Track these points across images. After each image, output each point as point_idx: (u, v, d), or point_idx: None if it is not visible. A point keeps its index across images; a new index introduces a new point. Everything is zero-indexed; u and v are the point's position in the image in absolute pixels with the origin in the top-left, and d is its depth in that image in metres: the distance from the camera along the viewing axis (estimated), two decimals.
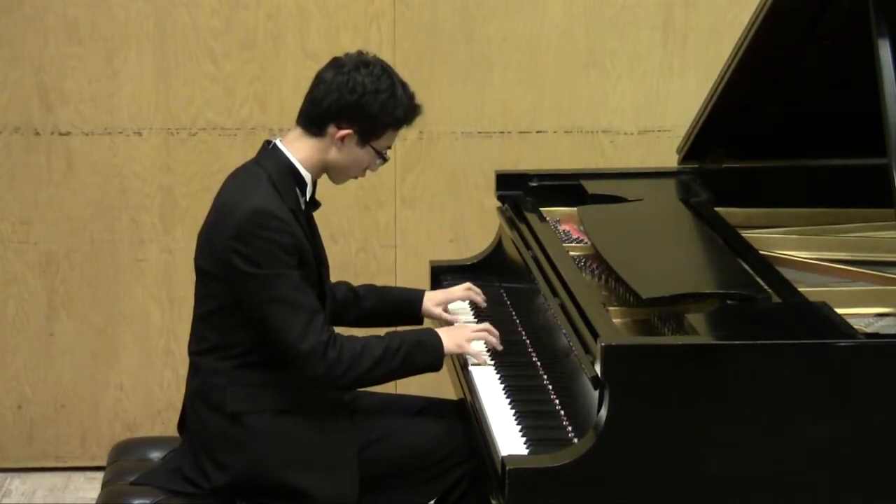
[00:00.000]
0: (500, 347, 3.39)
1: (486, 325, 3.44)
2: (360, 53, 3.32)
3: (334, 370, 3.18)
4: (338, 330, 3.26)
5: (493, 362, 3.40)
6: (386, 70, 3.28)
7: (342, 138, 3.27)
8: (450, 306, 3.67)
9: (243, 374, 3.25)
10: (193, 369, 3.34)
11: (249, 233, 3.16)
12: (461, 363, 3.46)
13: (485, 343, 3.42)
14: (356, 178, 3.38)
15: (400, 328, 3.45)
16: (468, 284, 3.68)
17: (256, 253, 3.15)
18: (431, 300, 3.62)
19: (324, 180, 3.38)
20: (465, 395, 3.34)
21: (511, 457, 2.86)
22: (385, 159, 3.35)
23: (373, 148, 3.30)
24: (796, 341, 2.86)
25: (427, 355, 3.29)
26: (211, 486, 3.26)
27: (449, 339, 3.33)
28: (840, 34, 3.53)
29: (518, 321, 3.63)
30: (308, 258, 3.25)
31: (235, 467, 3.24)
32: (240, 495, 3.25)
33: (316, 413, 3.28)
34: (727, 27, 4.53)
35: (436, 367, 3.32)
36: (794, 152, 3.90)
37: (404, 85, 3.30)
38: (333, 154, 3.29)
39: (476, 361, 3.40)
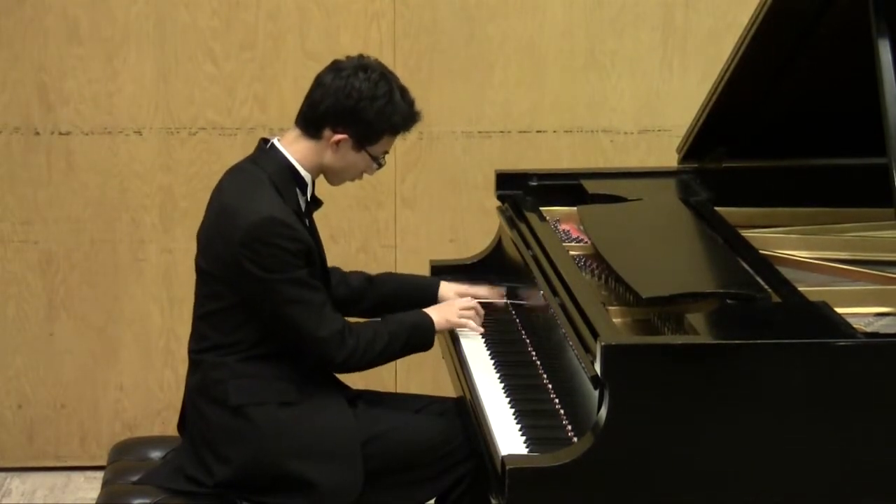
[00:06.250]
0: (480, 330, 3.53)
1: (473, 303, 3.54)
2: (360, 57, 3.32)
3: (353, 356, 3.27)
4: (351, 320, 3.36)
5: (483, 340, 3.51)
6: (385, 75, 3.28)
7: (337, 142, 3.28)
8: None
9: (246, 367, 3.27)
10: (193, 366, 3.34)
11: (259, 240, 3.18)
12: (452, 338, 3.52)
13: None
14: (353, 181, 3.39)
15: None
16: (488, 287, 3.70)
17: (267, 259, 3.18)
18: (451, 289, 3.65)
19: (322, 180, 3.39)
20: (465, 393, 3.35)
21: (511, 456, 2.86)
22: (381, 165, 3.35)
23: (368, 153, 3.31)
24: (796, 341, 2.85)
25: (422, 337, 3.41)
26: (214, 482, 3.26)
27: (438, 316, 3.44)
28: (840, 34, 3.53)
29: (518, 321, 3.63)
30: (314, 257, 3.29)
31: (239, 460, 3.24)
32: (243, 490, 3.26)
33: (319, 406, 3.29)
34: (727, 27, 4.53)
35: (428, 346, 3.44)
36: (794, 152, 3.90)
37: (403, 91, 3.30)
38: (329, 157, 3.30)
39: (467, 331, 3.54)
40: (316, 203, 3.39)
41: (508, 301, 3.68)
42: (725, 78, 3.70)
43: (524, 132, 4.70)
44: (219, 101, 4.62)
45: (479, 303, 3.59)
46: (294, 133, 3.32)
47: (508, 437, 3.02)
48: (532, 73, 4.66)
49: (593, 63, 4.66)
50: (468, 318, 3.51)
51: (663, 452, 2.83)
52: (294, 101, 3.38)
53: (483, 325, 3.58)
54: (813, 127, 3.80)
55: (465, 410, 3.33)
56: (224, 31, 4.58)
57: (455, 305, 3.52)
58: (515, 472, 2.80)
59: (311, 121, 3.29)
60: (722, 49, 4.12)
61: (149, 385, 4.78)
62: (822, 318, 2.97)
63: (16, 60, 4.56)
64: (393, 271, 3.78)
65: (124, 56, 4.58)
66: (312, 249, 3.27)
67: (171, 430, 3.58)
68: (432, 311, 3.45)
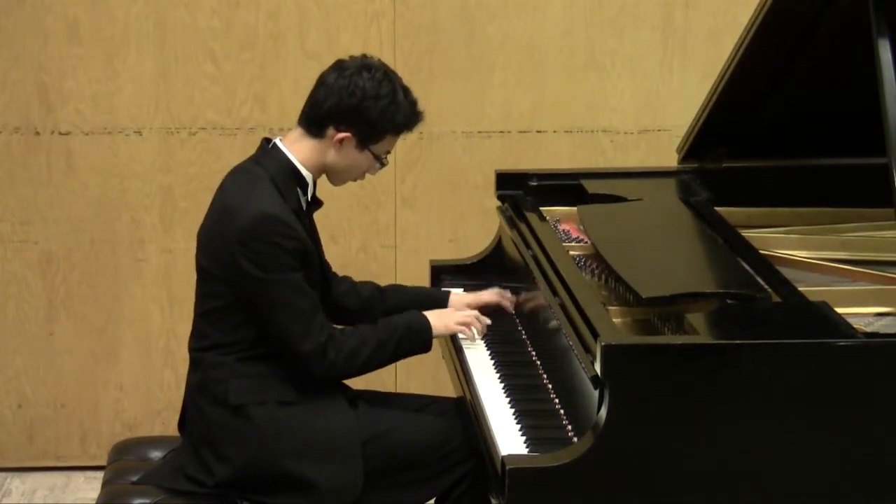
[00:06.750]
0: (478, 338, 3.50)
1: (474, 312, 3.51)
2: (364, 57, 3.33)
3: (333, 369, 3.26)
4: None
5: (483, 340, 3.50)
6: (388, 75, 3.29)
7: (340, 141, 3.28)
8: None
9: (246, 366, 3.27)
10: (194, 365, 3.34)
11: (255, 237, 3.18)
12: (455, 347, 3.51)
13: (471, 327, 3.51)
14: (355, 180, 3.39)
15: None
16: (498, 290, 3.68)
17: (262, 257, 3.18)
18: (460, 300, 3.64)
19: (323, 180, 3.39)
20: (465, 394, 3.35)
21: (511, 456, 2.86)
22: (383, 164, 3.35)
23: (371, 152, 3.31)
24: (796, 341, 2.85)
25: (417, 340, 3.39)
26: (215, 482, 3.26)
27: (437, 320, 3.42)
28: (840, 34, 3.53)
29: (518, 321, 3.63)
30: (312, 258, 3.28)
31: (239, 459, 3.24)
32: (243, 490, 3.25)
33: (319, 405, 3.29)
34: (727, 27, 4.53)
35: (425, 349, 3.42)
36: (794, 152, 3.90)
37: (406, 91, 3.31)
38: (332, 156, 3.31)
39: (467, 338, 3.50)
40: (316, 203, 3.39)
41: (504, 285, 3.68)
42: (725, 78, 3.70)
43: (524, 132, 4.70)
44: (219, 101, 4.62)
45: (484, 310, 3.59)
46: (297, 133, 3.33)
47: (508, 437, 3.02)
48: (532, 73, 4.66)
49: (593, 63, 4.66)
50: (467, 323, 3.48)
51: (663, 452, 2.82)
52: (294, 101, 3.38)
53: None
54: (813, 127, 3.80)
55: (465, 410, 3.33)
56: (224, 31, 4.58)
57: (455, 313, 3.49)
58: (515, 472, 2.80)
59: (315, 120, 3.29)
60: (722, 49, 4.12)
61: (149, 385, 4.78)
62: (822, 318, 2.97)
63: (16, 60, 4.56)
64: (399, 284, 3.75)
65: (124, 56, 4.59)
66: (310, 250, 3.27)
67: (171, 430, 3.58)
68: (431, 315, 3.44)
